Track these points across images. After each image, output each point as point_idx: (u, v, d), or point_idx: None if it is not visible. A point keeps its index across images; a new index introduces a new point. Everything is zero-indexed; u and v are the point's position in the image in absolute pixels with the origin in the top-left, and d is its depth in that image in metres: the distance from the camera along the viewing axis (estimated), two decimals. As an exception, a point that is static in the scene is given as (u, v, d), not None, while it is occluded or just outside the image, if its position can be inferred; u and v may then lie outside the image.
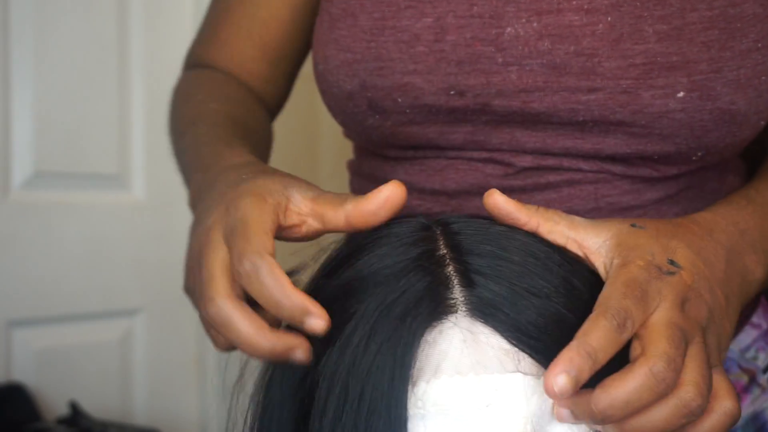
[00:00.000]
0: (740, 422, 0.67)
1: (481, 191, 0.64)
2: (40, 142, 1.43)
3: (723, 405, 0.46)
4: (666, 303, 0.45)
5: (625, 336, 0.43)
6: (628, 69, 0.58)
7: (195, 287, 0.50)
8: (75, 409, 1.32)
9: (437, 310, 0.44)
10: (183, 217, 1.63)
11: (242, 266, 0.45)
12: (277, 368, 0.49)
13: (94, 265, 1.49)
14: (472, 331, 0.44)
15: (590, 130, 0.60)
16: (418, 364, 0.43)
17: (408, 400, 0.43)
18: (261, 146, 0.71)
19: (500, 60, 0.59)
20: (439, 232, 0.48)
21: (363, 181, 0.74)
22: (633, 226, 0.50)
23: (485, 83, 0.59)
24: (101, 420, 1.33)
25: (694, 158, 0.61)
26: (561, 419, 0.43)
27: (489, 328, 0.44)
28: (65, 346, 1.47)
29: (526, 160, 0.63)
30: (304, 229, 0.50)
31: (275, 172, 0.53)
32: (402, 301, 0.44)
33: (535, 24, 0.59)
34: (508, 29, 0.59)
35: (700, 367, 0.44)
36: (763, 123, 0.61)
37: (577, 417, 0.43)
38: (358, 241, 0.49)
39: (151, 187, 1.58)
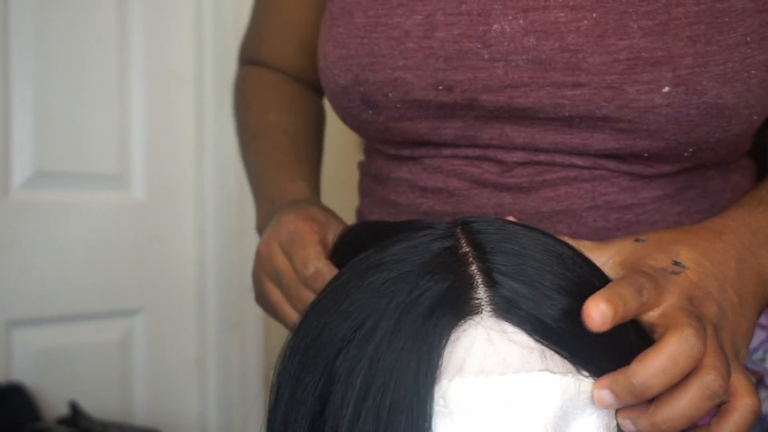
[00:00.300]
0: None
1: (478, 188, 0.64)
2: (40, 142, 1.43)
3: (744, 402, 0.46)
4: (673, 297, 0.47)
5: (644, 299, 0.45)
6: (612, 64, 0.58)
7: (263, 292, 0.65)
8: (75, 409, 1.32)
9: (462, 309, 0.44)
10: (183, 217, 1.64)
11: (308, 270, 0.57)
12: (290, 360, 0.48)
13: (94, 265, 1.50)
14: (496, 330, 0.44)
15: (578, 126, 0.61)
16: (442, 363, 0.43)
17: (432, 398, 0.43)
18: (312, 142, 0.83)
19: (486, 56, 0.60)
20: (459, 230, 0.49)
21: (371, 182, 0.76)
22: (636, 240, 0.51)
23: (472, 78, 0.61)
24: (101, 420, 1.33)
25: (685, 154, 0.61)
26: (602, 403, 0.44)
27: (513, 326, 0.44)
28: (65, 346, 1.47)
29: (518, 156, 0.63)
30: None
31: (322, 208, 0.65)
32: (426, 298, 0.44)
33: (521, 21, 0.60)
34: (495, 26, 0.60)
35: (716, 353, 0.44)
36: (756, 118, 0.60)
37: (618, 396, 0.43)
38: (381, 239, 0.50)
39: (151, 187, 1.58)
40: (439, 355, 0.43)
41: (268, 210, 0.71)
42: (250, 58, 0.90)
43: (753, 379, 0.68)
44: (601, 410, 0.45)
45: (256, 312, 1.67)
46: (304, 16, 0.80)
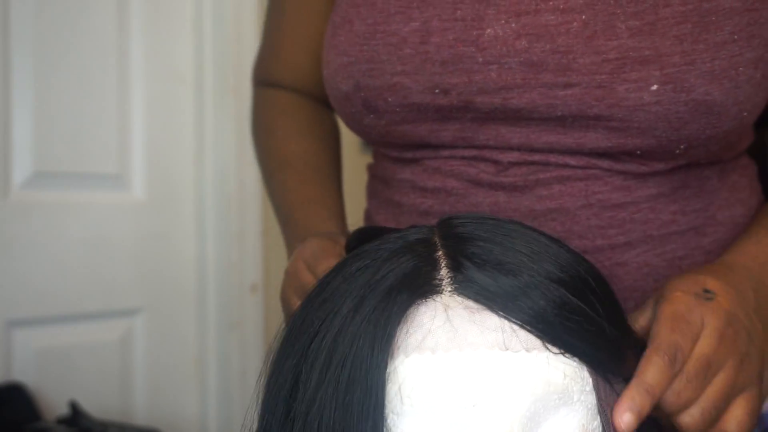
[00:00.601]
0: None
1: (474, 188, 0.65)
2: (40, 142, 1.43)
3: (725, 425, 0.52)
4: (707, 330, 0.51)
5: (678, 368, 0.49)
6: (602, 64, 0.59)
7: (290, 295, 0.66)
8: (75, 409, 1.32)
9: (423, 288, 0.46)
10: (183, 217, 1.64)
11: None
12: (277, 350, 0.50)
13: (94, 265, 1.50)
14: (456, 308, 0.45)
15: (571, 125, 0.62)
16: (400, 340, 0.44)
17: (388, 376, 0.44)
18: (334, 169, 0.85)
19: (481, 59, 0.62)
20: (438, 225, 0.51)
21: (378, 184, 0.78)
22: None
23: (467, 81, 0.62)
24: (101, 420, 1.33)
25: (677, 151, 0.62)
26: (628, 427, 0.47)
27: (475, 303, 0.45)
28: (65, 346, 1.47)
29: (513, 156, 0.65)
30: None
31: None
32: (389, 278, 0.46)
33: (513, 24, 0.61)
34: (489, 30, 0.62)
35: (715, 395, 0.50)
36: (746, 114, 0.61)
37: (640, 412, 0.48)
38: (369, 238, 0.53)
39: (151, 187, 1.58)
40: (394, 330, 0.44)
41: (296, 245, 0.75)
42: (265, 79, 0.90)
43: None
44: (579, 411, 0.45)
45: (256, 312, 1.67)
46: (318, 28, 0.80)
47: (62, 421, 1.31)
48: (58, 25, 1.45)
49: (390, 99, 0.65)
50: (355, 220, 0.78)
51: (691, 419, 0.50)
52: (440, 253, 0.48)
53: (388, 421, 0.44)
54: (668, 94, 0.58)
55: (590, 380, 0.46)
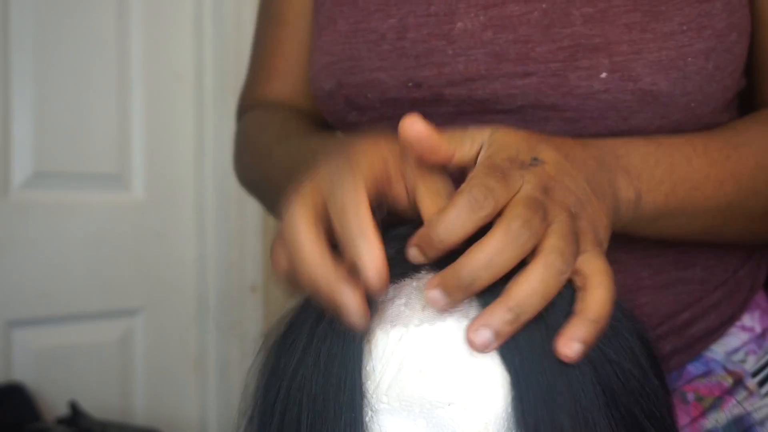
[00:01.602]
0: (723, 424, 0.67)
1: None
2: (40, 142, 1.43)
3: (600, 280, 0.44)
4: (528, 185, 0.45)
5: (484, 213, 0.43)
6: (557, 52, 0.60)
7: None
8: (75, 409, 1.32)
9: (399, 269, 0.46)
10: (183, 217, 1.64)
11: (334, 199, 0.45)
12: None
13: (94, 265, 1.50)
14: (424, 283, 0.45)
15: (531, 117, 0.62)
16: (375, 317, 0.45)
17: (365, 356, 0.44)
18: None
19: (450, 52, 0.63)
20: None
21: None
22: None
23: (437, 74, 0.63)
24: (101, 420, 1.33)
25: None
26: (436, 303, 0.43)
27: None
28: (65, 346, 1.47)
29: None
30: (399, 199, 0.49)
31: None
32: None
33: (481, 17, 0.63)
34: (459, 24, 0.63)
35: (558, 234, 0.43)
36: (694, 105, 0.61)
37: (448, 292, 0.42)
38: None
39: (151, 187, 1.59)
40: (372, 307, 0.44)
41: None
42: (254, 104, 0.84)
43: (730, 381, 0.68)
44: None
45: (256, 312, 1.67)
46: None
47: (62, 421, 1.31)
48: (58, 25, 1.45)
49: (369, 95, 0.66)
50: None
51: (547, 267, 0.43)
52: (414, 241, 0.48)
53: (366, 418, 0.44)
54: (616, 83, 0.59)
55: None
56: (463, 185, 0.44)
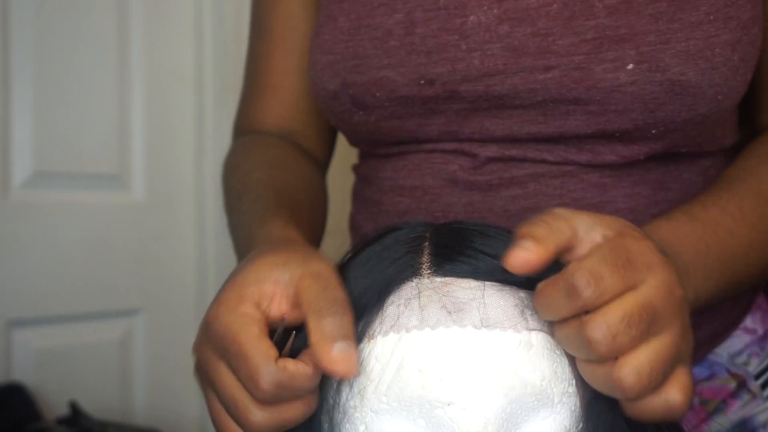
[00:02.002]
0: (727, 427, 0.67)
1: (450, 187, 0.65)
2: (40, 142, 1.43)
3: (669, 393, 0.43)
4: (654, 280, 0.42)
5: (580, 304, 0.40)
6: (580, 45, 0.59)
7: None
8: (75, 409, 1.32)
9: (401, 272, 0.47)
10: (183, 217, 1.64)
11: (263, 386, 0.43)
12: None
13: (94, 265, 1.50)
14: (430, 288, 0.46)
15: (551, 112, 0.61)
16: (377, 321, 0.45)
17: (363, 359, 0.45)
18: (304, 203, 0.69)
19: (464, 47, 0.61)
20: (433, 227, 0.51)
21: (360, 183, 0.77)
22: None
23: (451, 70, 0.62)
24: (101, 420, 1.33)
25: (653, 132, 0.60)
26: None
27: (452, 278, 0.46)
28: (65, 346, 1.47)
29: (491, 150, 0.64)
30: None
31: (290, 251, 0.50)
32: (375, 266, 0.48)
33: (495, 10, 0.61)
34: (472, 17, 0.61)
35: (661, 353, 0.41)
36: (721, 98, 0.60)
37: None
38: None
39: (151, 187, 1.58)
40: (372, 314, 0.45)
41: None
42: (245, 129, 0.82)
43: (734, 383, 0.68)
44: (560, 413, 0.45)
45: (256, 312, 1.67)
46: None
47: (62, 421, 1.31)
48: (58, 25, 1.45)
49: (377, 94, 0.64)
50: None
51: (635, 374, 0.41)
52: (427, 243, 0.48)
53: (367, 419, 0.44)
54: (643, 74, 0.58)
55: (574, 380, 0.46)
56: (571, 266, 0.41)
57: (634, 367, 0.40)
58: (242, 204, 0.66)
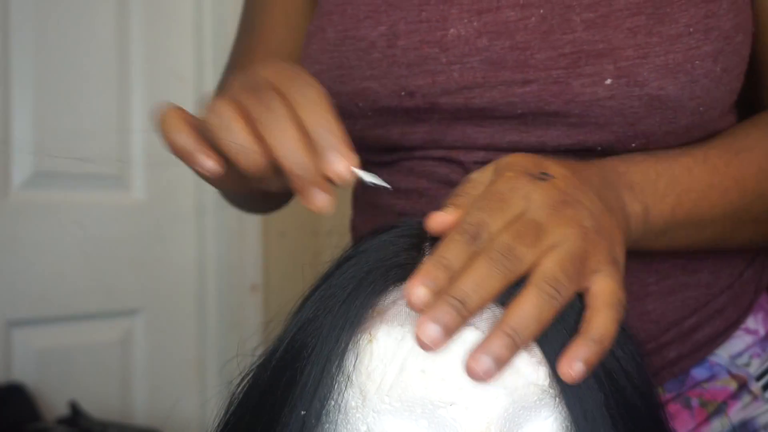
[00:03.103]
0: (727, 429, 0.67)
1: (445, 188, 0.65)
2: (40, 142, 1.43)
3: (605, 300, 0.44)
4: (534, 205, 0.45)
5: (480, 245, 0.43)
6: (558, 59, 0.59)
7: None
8: (75, 409, 1.32)
9: (399, 270, 0.46)
10: (183, 217, 1.64)
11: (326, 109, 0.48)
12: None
13: (94, 265, 1.50)
14: None
15: (532, 123, 0.61)
16: (378, 321, 0.45)
17: (357, 354, 0.45)
18: None
19: (444, 60, 0.61)
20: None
21: (358, 188, 0.77)
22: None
23: (431, 83, 0.62)
24: (101, 420, 1.33)
25: (633, 144, 0.60)
26: (431, 339, 0.42)
27: None
28: (65, 346, 1.47)
29: (478, 156, 0.64)
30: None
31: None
32: (372, 262, 0.48)
33: (475, 23, 0.61)
34: (452, 30, 0.61)
35: (556, 260, 0.43)
36: (703, 109, 0.60)
37: (442, 323, 0.41)
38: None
39: (151, 187, 1.59)
40: (364, 310, 0.45)
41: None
42: None
43: (734, 385, 0.67)
44: (562, 413, 0.45)
45: (256, 312, 1.67)
46: (299, 45, 0.77)
47: (62, 421, 1.31)
48: (58, 25, 1.45)
49: (360, 104, 0.65)
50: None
51: (550, 279, 0.42)
52: (427, 244, 0.48)
53: (368, 419, 0.44)
54: (622, 89, 0.57)
55: None
56: (460, 218, 0.45)
57: (544, 272, 0.43)
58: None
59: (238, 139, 0.46)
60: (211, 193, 1.62)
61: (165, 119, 0.49)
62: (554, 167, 0.49)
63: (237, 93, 0.48)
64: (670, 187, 0.57)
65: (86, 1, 1.49)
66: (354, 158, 0.47)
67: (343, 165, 0.46)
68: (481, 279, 0.42)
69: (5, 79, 1.39)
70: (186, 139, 0.48)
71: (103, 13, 1.51)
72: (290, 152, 0.45)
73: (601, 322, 0.43)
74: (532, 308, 0.42)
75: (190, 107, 0.49)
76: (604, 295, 0.44)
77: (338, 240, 0.62)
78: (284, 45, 0.79)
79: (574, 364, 0.42)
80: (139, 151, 1.57)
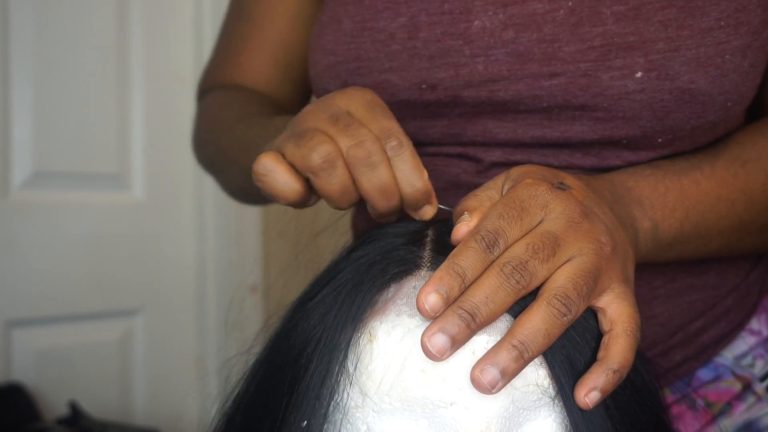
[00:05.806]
0: (732, 430, 0.66)
1: (454, 189, 0.65)
2: (40, 142, 1.43)
3: (623, 328, 0.45)
4: (553, 215, 0.45)
5: (496, 253, 0.43)
6: (586, 52, 0.58)
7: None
8: (75, 409, 1.32)
9: (400, 265, 0.47)
10: (183, 217, 1.64)
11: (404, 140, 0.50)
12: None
13: (94, 265, 1.50)
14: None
15: (557, 117, 0.61)
16: (378, 320, 0.45)
17: (360, 348, 0.45)
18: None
19: (468, 52, 0.61)
20: (435, 223, 0.51)
21: None
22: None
23: (454, 75, 0.61)
24: (101, 420, 1.33)
25: (660, 140, 0.60)
26: (438, 350, 0.42)
27: None
28: (65, 346, 1.47)
29: (496, 155, 0.64)
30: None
31: None
32: (371, 257, 0.48)
33: (500, 15, 0.60)
34: (476, 22, 0.61)
35: (569, 276, 0.43)
36: (731, 105, 0.59)
37: (450, 334, 0.42)
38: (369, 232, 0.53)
39: (151, 187, 1.59)
40: (365, 303, 0.46)
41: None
42: (214, 86, 0.84)
43: (739, 386, 0.67)
44: (561, 412, 0.45)
45: (256, 312, 1.67)
46: (297, 35, 0.78)
47: (62, 421, 1.31)
48: (58, 25, 1.45)
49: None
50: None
51: (561, 294, 0.43)
52: (428, 239, 0.48)
53: (368, 419, 0.44)
54: (652, 82, 0.57)
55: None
56: (478, 224, 0.45)
57: (556, 288, 0.43)
58: (252, 119, 0.71)
59: (338, 185, 0.49)
60: (211, 193, 1.63)
61: (267, 168, 0.51)
62: (570, 178, 0.49)
63: (326, 126, 0.50)
64: (678, 201, 0.57)
65: (86, 1, 1.49)
66: (435, 203, 0.51)
67: (431, 213, 0.51)
68: (493, 292, 0.42)
69: (5, 79, 1.40)
70: (294, 184, 0.51)
71: (103, 13, 1.51)
72: (381, 205, 0.50)
73: (620, 350, 0.44)
74: (541, 323, 0.42)
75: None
76: (623, 322, 0.44)
77: (338, 240, 0.62)
78: (282, 34, 0.78)
79: (592, 394, 0.43)
80: (140, 151, 1.57)
